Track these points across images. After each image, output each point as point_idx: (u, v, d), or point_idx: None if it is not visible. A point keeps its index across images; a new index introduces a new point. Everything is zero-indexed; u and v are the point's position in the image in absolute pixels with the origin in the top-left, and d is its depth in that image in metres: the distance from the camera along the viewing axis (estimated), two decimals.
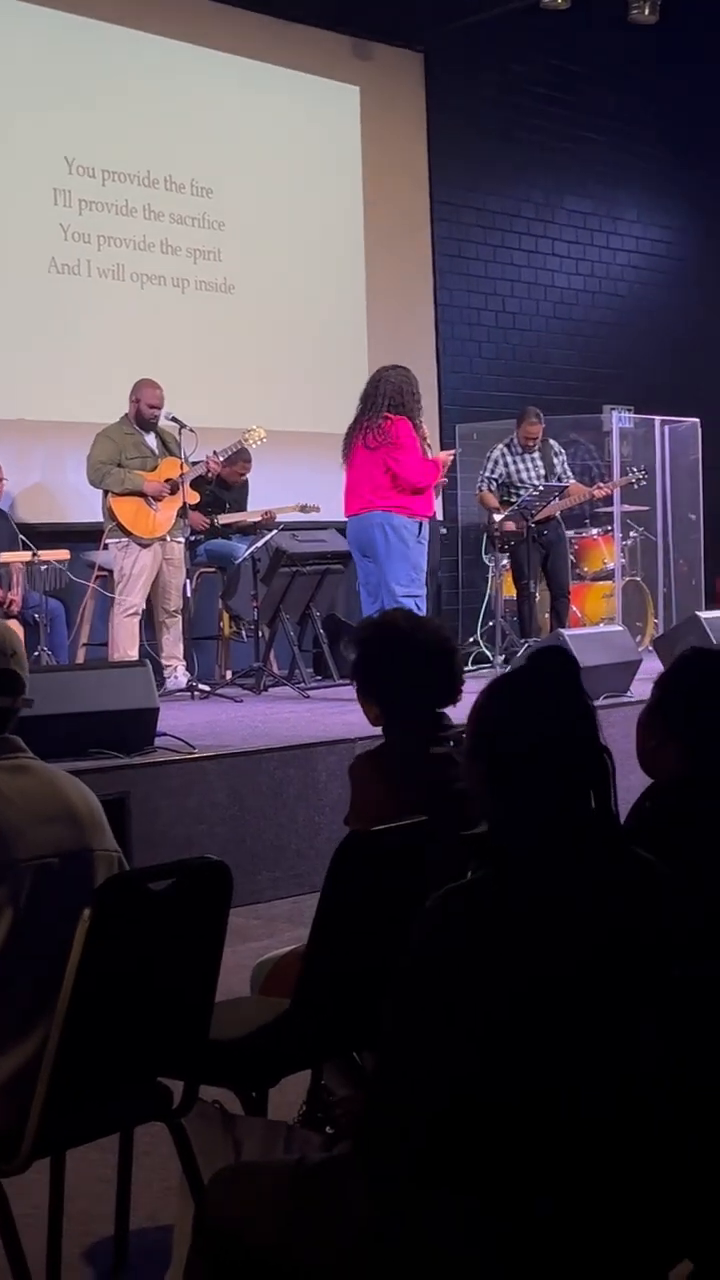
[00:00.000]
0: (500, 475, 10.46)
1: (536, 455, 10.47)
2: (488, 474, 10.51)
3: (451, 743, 3.38)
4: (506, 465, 10.46)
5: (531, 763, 2.16)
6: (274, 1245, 2.18)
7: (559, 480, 10.40)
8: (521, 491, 10.25)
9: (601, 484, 11.10)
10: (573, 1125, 2.04)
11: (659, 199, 14.53)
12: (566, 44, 13.22)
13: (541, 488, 10.18)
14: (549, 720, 2.18)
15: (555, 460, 10.51)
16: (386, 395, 8.32)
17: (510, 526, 10.12)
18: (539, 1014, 2.03)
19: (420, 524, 8.37)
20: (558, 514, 10.35)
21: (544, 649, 2.33)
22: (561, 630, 8.99)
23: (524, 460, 10.45)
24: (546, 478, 10.36)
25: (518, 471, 10.42)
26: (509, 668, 2.54)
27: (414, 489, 8.28)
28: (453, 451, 9.02)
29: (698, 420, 12.46)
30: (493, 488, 10.46)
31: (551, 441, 10.67)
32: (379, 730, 3.57)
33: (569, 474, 10.63)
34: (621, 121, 13.86)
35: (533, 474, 10.40)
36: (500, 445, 10.62)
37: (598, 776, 2.19)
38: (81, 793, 2.90)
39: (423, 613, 8.17)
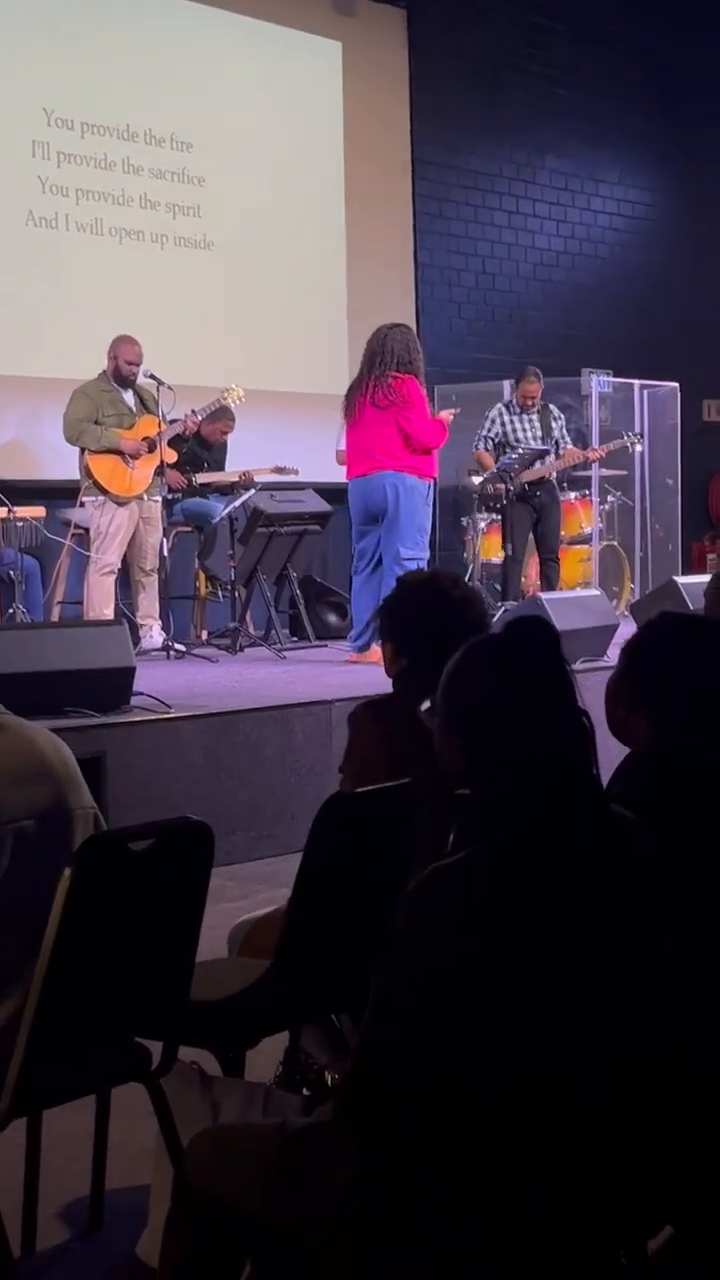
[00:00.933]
0: (497, 434, 10.40)
1: (535, 416, 10.39)
2: (484, 433, 10.46)
3: (426, 704, 3.35)
4: (503, 425, 10.39)
5: (509, 739, 2.12)
6: (256, 1209, 2.16)
7: (556, 444, 10.34)
8: (518, 451, 10.19)
9: (596, 447, 11.05)
10: (563, 1106, 2.02)
11: (640, 161, 14.47)
12: (550, 3, 13.12)
13: (522, 451, 10.12)
14: (528, 693, 2.14)
15: (554, 424, 10.44)
16: (394, 353, 8.24)
17: (490, 489, 10.08)
18: (525, 993, 2.01)
19: (429, 485, 8.32)
20: (552, 476, 10.29)
21: (523, 618, 2.29)
22: (540, 595, 8.96)
23: (521, 420, 10.38)
24: (544, 440, 10.30)
25: (514, 431, 10.36)
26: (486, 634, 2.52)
27: (424, 449, 8.23)
28: (454, 411, 8.92)
29: (677, 385, 12.44)
30: (489, 447, 10.41)
31: (551, 405, 10.60)
32: (357, 691, 3.54)
33: (566, 438, 10.56)
34: (604, 81, 13.78)
35: (529, 434, 10.33)
36: (499, 404, 10.56)
37: (579, 747, 2.16)
38: (57, 749, 2.87)
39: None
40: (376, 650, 8.08)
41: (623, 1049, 2.06)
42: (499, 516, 10.20)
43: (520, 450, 10.11)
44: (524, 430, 10.36)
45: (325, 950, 3.04)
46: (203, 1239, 2.26)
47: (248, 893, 5.77)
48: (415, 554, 8.26)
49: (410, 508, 8.24)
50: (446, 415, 8.61)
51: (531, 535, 10.26)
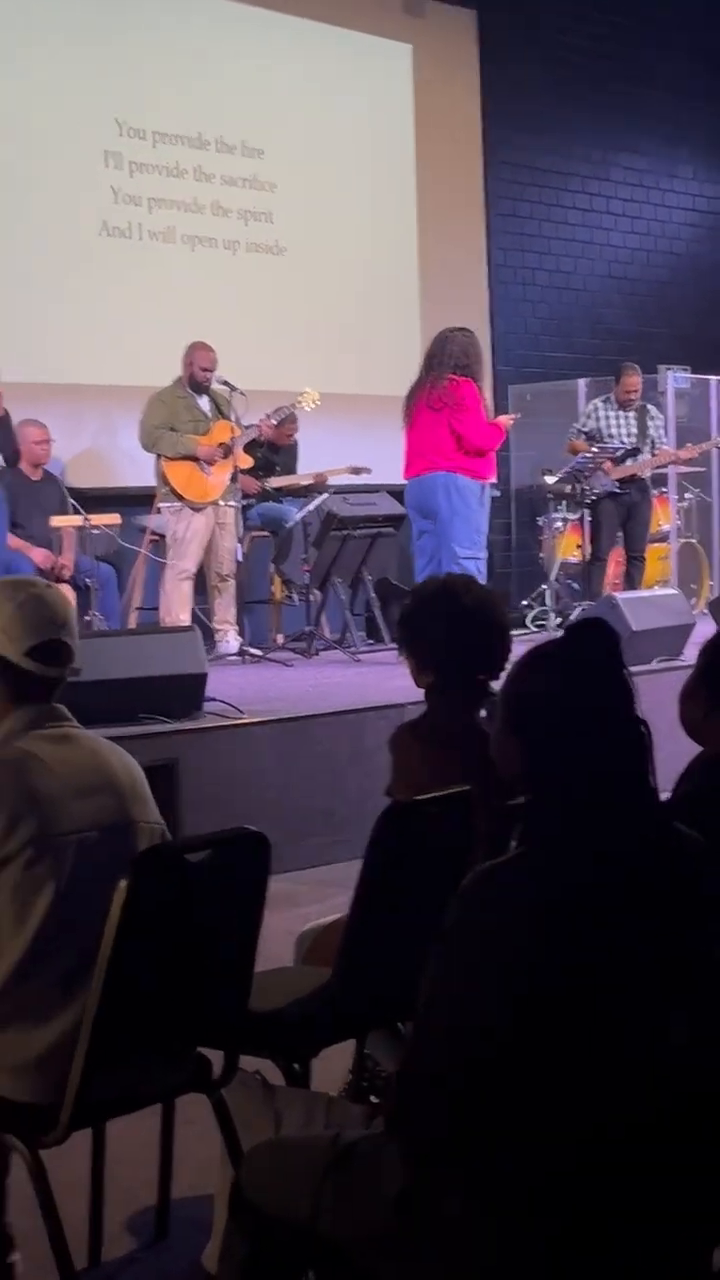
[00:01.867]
0: (591, 428, 10.32)
1: (631, 414, 10.27)
2: (579, 425, 10.39)
3: (484, 712, 3.33)
4: (599, 419, 10.30)
5: (568, 740, 2.11)
6: (308, 1220, 2.16)
7: (652, 443, 10.24)
8: (601, 447, 10.11)
9: (691, 445, 10.95)
10: (608, 1114, 2.00)
11: (715, 157, 14.34)
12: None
13: (596, 451, 10.02)
14: (586, 696, 2.13)
15: (650, 423, 10.33)
16: (452, 356, 8.25)
17: (567, 489, 10.02)
18: (575, 992, 1.99)
19: (483, 486, 8.32)
20: (646, 474, 10.21)
21: (584, 621, 2.27)
22: (615, 594, 8.90)
23: (618, 417, 10.28)
24: (638, 438, 10.21)
25: (608, 426, 10.26)
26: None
27: (477, 451, 8.22)
28: (514, 416, 8.92)
29: None
30: (581, 439, 10.33)
31: (649, 405, 10.50)
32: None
33: (662, 438, 10.45)
34: (677, 78, 13.67)
35: (622, 431, 10.23)
36: (598, 399, 10.48)
37: (636, 753, 2.13)
38: (125, 763, 2.89)
39: (483, 576, 8.14)
40: None
41: (673, 1050, 2.04)
42: (577, 515, 10.14)
43: (600, 448, 10.02)
44: (618, 427, 10.25)
45: (387, 957, 3.02)
46: (259, 1249, 2.26)
47: (322, 897, 5.76)
48: (472, 553, 8.27)
49: (464, 508, 8.24)
50: (505, 420, 8.60)
51: (620, 533, 10.17)
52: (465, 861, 3.00)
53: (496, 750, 2.22)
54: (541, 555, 10.91)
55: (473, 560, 8.19)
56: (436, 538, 8.31)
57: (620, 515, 10.08)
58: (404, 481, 8.57)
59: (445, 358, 8.25)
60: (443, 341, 8.35)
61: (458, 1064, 2.03)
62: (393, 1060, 3.42)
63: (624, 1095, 2.00)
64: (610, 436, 10.18)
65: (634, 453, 10.10)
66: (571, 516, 10.46)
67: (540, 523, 11.04)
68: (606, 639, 2.19)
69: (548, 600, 10.22)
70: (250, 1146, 2.50)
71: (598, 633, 2.20)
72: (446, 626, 3.38)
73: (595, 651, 2.18)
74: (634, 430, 10.25)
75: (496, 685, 3.43)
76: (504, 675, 2.29)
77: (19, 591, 2.83)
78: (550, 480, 10.22)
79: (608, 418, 10.28)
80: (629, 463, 10.05)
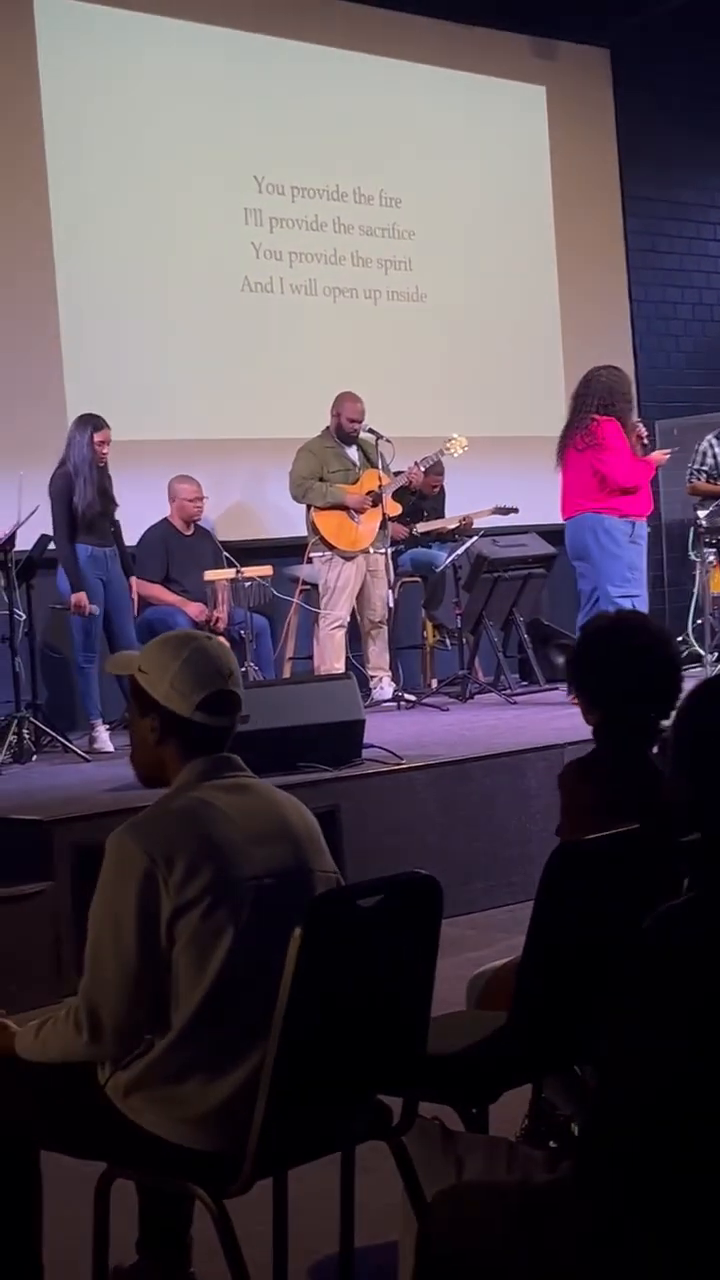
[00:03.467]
0: (710, 466, 10.22)
1: None
2: (696, 466, 10.29)
3: (655, 749, 3.30)
4: (715, 455, 10.22)
5: None
6: (499, 1268, 2.13)
7: None
8: None
9: None
10: None
11: None
12: None
13: None
14: None
15: None
16: (595, 395, 8.23)
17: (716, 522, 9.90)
18: None
19: (633, 524, 8.24)
20: None
21: None
22: None
23: None
24: None
25: None
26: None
27: (622, 490, 8.18)
28: (668, 451, 8.78)
29: None
30: (703, 479, 10.23)
31: None
32: (588, 734, 3.50)
33: None
34: None
35: None
36: (710, 435, 10.40)
37: None
38: (300, 812, 2.91)
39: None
40: None
41: None
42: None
43: None
44: None
45: (562, 999, 3.00)
46: None
47: (489, 941, 5.74)
48: (627, 591, 8.21)
49: (613, 547, 8.20)
50: (659, 456, 8.48)
51: None
52: (638, 901, 2.97)
53: (669, 787, 2.20)
54: (694, 591, 10.78)
55: (626, 599, 8.12)
56: (591, 580, 8.28)
57: None
58: (553, 522, 8.57)
59: (589, 398, 8.23)
60: (587, 382, 8.33)
61: (645, 1114, 2.00)
62: (571, 1103, 3.39)
63: None
64: None
65: None
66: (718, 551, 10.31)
67: (692, 558, 10.92)
68: None
69: (705, 636, 10.09)
70: (432, 1193, 2.49)
71: None
72: (618, 663, 3.36)
73: None
74: None
75: (667, 723, 3.40)
76: (675, 711, 2.26)
77: (183, 647, 2.86)
78: (702, 515, 10.11)
79: None
80: None
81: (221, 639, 8.59)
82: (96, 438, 7.98)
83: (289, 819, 2.86)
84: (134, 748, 2.95)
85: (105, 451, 8.04)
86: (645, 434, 8.49)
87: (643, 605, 8.21)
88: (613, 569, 8.21)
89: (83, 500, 7.96)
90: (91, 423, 8.03)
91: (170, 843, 2.69)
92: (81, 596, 7.95)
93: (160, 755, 2.87)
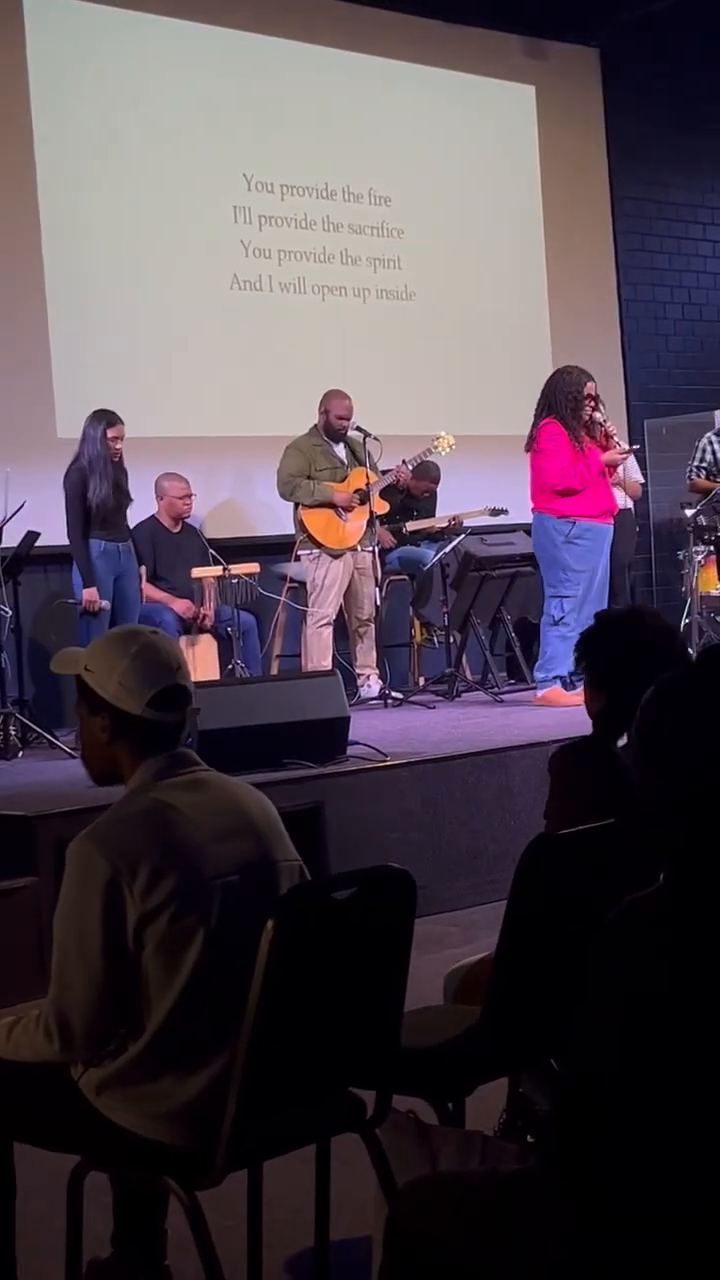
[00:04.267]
0: (709, 463, 10.22)
1: None
2: (695, 463, 10.28)
3: (624, 741, 3.30)
4: (715, 452, 10.22)
5: (695, 767, 2.07)
6: (464, 1259, 2.14)
7: None
8: None
9: None
10: None
11: None
12: None
13: None
14: (712, 722, 2.09)
15: None
16: (544, 397, 8.32)
17: (705, 520, 9.91)
18: (713, 1036, 1.96)
19: (572, 524, 8.23)
20: None
21: (713, 648, 2.24)
22: None
23: None
24: None
25: None
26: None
27: (557, 491, 8.21)
28: (623, 451, 8.61)
29: None
30: (702, 475, 10.22)
31: None
32: (573, 732, 3.50)
33: None
34: None
35: None
36: (710, 433, 10.39)
37: None
38: (260, 803, 2.90)
39: (568, 614, 8.13)
40: (554, 691, 8.05)
41: None
42: (713, 548, 10.02)
43: None
44: None
45: (538, 993, 3.00)
46: None
47: (471, 938, 5.74)
48: (559, 592, 8.30)
49: (550, 546, 8.30)
50: (609, 455, 8.35)
51: None
52: (614, 894, 2.97)
53: (633, 780, 2.20)
54: (684, 590, 10.79)
55: (557, 599, 8.29)
56: None
57: None
58: None
59: (540, 400, 8.32)
60: (546, 383, 8.39)
61: (610, 1104, 2.00)
62: (547, 1097, 3.39)
63: None
64: None
65: None
66: (710, 550, 10.31)
67: (680, 556, 10.93)
68: None
69: (694, 635, 10.09)
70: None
71: None
72: (629, 652, 3.36)
73: None
74: None
75: None
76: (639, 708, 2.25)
77: (129, 644, 2.82)
78: (689, 513, 10.12)
79: None
80: None
81: (207, 637, 8.65)
82: (110, 433, 8.01)
83: (249, 811, 2.84)
84: (84, 746, 2.91)
85: (119, 447, 8.07)
86: (613, 431, 8.47)
87: (567, 606, 8.22)
88: (550, 568, 8.34)
89: (97, 496, 7.99)
90: (105, 418, 8.06)
91: (133, 848, 2.66)
92: (93, 592, 7.96)
93: (113, 754, 2.84)
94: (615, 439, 8.45)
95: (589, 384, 8.28)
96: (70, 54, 9.50)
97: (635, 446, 8.76)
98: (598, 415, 8.31)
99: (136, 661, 2.79)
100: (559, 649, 8.22)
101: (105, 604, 8.04)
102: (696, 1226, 1.95)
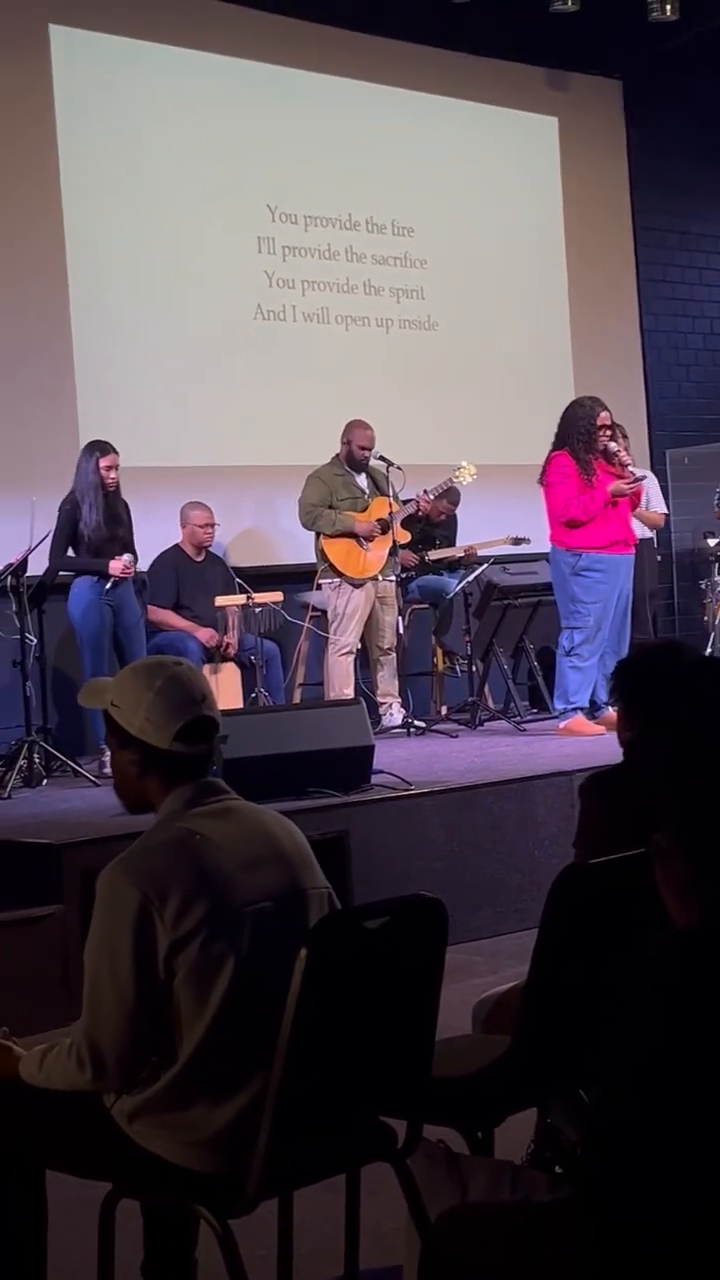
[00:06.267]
0: None
1: None
2: None
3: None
4: None
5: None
6: None
7: None
8: None
9: None
10: None
11: None
12: None
13: None
14: None
15: None
16: (557, 430, 8.33)
17: None
18: None
19: (578, 556, 8.24)
20: None
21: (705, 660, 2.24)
22: None
23: None
24: None
25: None
26: None
27: (563, 524, 8.23)
28: (629, 482, 8.34)
29: None
30: None
31: None
32: (597, 762, 3.51)
33: None
34: None
35: None
36: None
37: None
38: (288, 831, 2.91)
39: (573, 645, 8.14)
40: (576, 721, 8.03)
41: None
42: None
43: None
44: None
45: (568, 1023, 3.01)
46: None
47: (496, 968, 5.74)
48: (567, 623, 8.35)
49: (559, 578, 8.37)
50: (619, 485, 8.27)
51: None
52: (644, 925, 2.98)
53: (662, 814, 2.20)
54: (706, 619, 10.79)
55: (566, 631, 8.32)
56: None
57: None
58: None
59: (557, 433, 8.32)
60: (561, 415, 8.41)
61: (648, 1136, 2.00)
62: (576, 1128, 3.39)
63: None
64: None
65: None
66: None
67: (703, 586, 10.94)
68: None
69: None
70: (436, 1215, 2.49)
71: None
72: (663, 683, 3.37)
73: None
74: None
75: None
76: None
77: (154, 677, 2.83)
78: (711, 543, 10.13)
79: None
80: None
81: (230, 665, 8.66)
82: (103, 463, 8.03)
83: (278, 839, 2.85)
84: (116, 779, 2.94)
85: (113, 476, 8.08)
86: (629, 461, 8.45)
87: (577, 638, 8.22)
88: (560, 601, 8.41)
89: (88, 526, 8.01)
90: (98, 449, 8.09)
91: (163, 877, 2.68)
92: (114, 563, 7.98)
93: (143, 785, 2.86)
94: (630, 468, 8.44)
95: (602, 414, 8.29)
96: (96, 85, 9.57)
97: (643, 475, 8.67)
98: (612, 445, 8.31)
99: (162, 696, 2.81)
100: (574, 680, 8.24)
101: (128, 558, 8.06)
102: None
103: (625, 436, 8.75)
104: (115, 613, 8.14)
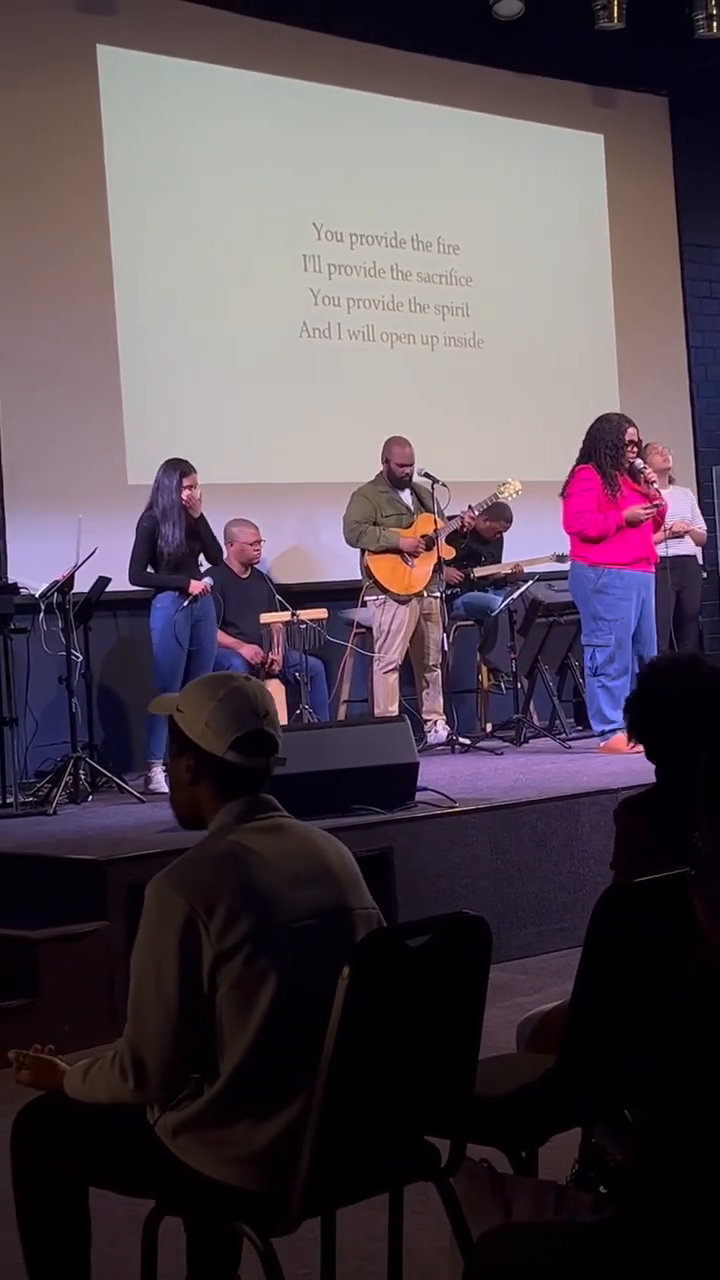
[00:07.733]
0: None
1: None
2: None
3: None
4: None
5: None
6: None
7: None
8: None
9: None
10: None
11: None
12: None
13: None
14: None
15: None
16: (585, 444, 8.30)
17: None
18: None
19: (600, 571, 8.21)
20: None
21: None
22: None
23: None
24: None
25: None
26: None
27: (582, 538, 8.20)
28: (646, 509, 8.25)
29: None
30: None
31: None
32: (643, 779, 3.49)
33: None
34: None
35: None
36: None
37: None
38: (338, 850, 2.91)
39: (596, 663, 8.11)
40: (618, 739, 8.00)
41: None
42: None
43: None
44: None
45: (613, 1043, 2.99)
46: None
47: (540, 986, 5.72)
48: (590, 641, 8.31)
49: (581, 594, 8.35)
50: (636, 511, 8.19)
51: None
52: (688, 944, 2.96)
53: (703, 830, 2.20)
54: None
55: (589, 649, 8.31)
56: None
57: None
58: None
59: (583, 448, 8.28)
60: (588, 431, 8.38)
61: (693, 1157, 1.99)
62: (620, 1148, 3.37)
63: None
64: None
65: None
66: None
67: None
68: None
69: None
70: (479, 1235, 2.48)
71: None
72: (680, 703, 3.36)
73: None
74: None
75: None
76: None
77: (219, 687, 2.87)
78: None
79: None
80: None
81: (275, 682, 8.67)
82: (185, 482, 8.10)
83: (326, 858, 2.86)
84: (172, 788, 2.97)
85: (197, 495, 8.15)
86: (654, 478, 8.43)
87: (601, 656, 8.19)
88: (584, 615, 8.39)
89: (168, 544, 8.08)
90: (179, 468, 8.15)
91: (210, 889, 2.69)
92: (195, 584, 8.08)
93: (195, 795, 2.87)
94: (654, 486, 8.42)
95: (629, 429, 8.27)
96: (142, 105, 9.63)
97: (661, 503, 8.53)
98: (639, 462, 8.29)
99: (224, 705, 2.83)
100: (605, 700, 8.20)
101: (209, 583, 8.19)
102: None
103: (660, 452, 8.70)
104: (193, 627, 8.17)
